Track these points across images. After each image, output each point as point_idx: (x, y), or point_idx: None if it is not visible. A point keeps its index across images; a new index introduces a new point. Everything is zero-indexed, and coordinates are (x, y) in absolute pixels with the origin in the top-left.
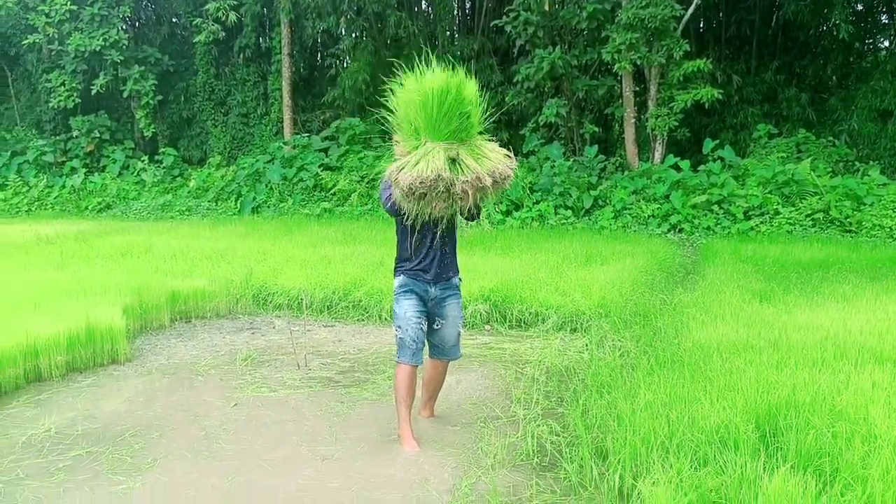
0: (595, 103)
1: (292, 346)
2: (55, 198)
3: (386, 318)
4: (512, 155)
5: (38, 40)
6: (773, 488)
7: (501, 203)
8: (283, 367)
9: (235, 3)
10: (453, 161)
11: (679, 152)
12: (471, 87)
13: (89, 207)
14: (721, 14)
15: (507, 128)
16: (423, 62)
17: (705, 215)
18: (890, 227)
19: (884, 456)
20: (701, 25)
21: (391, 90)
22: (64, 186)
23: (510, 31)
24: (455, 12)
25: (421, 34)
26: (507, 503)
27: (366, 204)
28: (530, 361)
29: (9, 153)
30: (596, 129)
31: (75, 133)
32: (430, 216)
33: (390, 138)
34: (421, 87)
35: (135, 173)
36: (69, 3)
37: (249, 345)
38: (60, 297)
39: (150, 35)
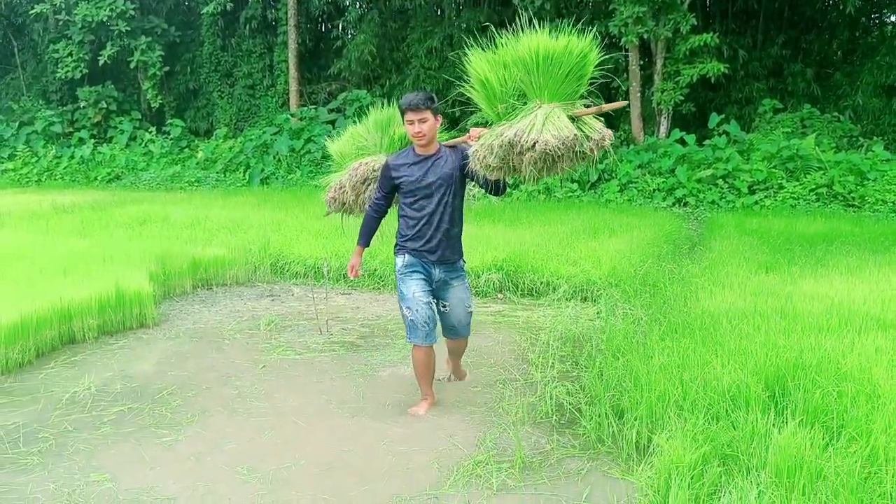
0: (601, 77)
1: (313, 312)
2: (64, 168)
3: None
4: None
5: (44, 10)
6: (782, 441)
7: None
8: (306, 332)
9: None
10: (572, 120)
11: (684, 126)
12: (588, 46)
13: (98, 178)
14: None
15: None
16: (427, 35)
17: (710, 189)
18: (893, 202)
19: (887, 412)
20: None
21: (467, 59)
22: (73, 157)
23: (517, 4)
24: None
25: (427, 6)
26: (529, 456)
27: None
28: (544, 328)
29: (16, 123)
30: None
31: (82, 104)
32: (489, 185)
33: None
34: (543, 47)
35: (142, 144)
36: None
37: (270, 311)
38: (87, 263)
39: (157, 5)
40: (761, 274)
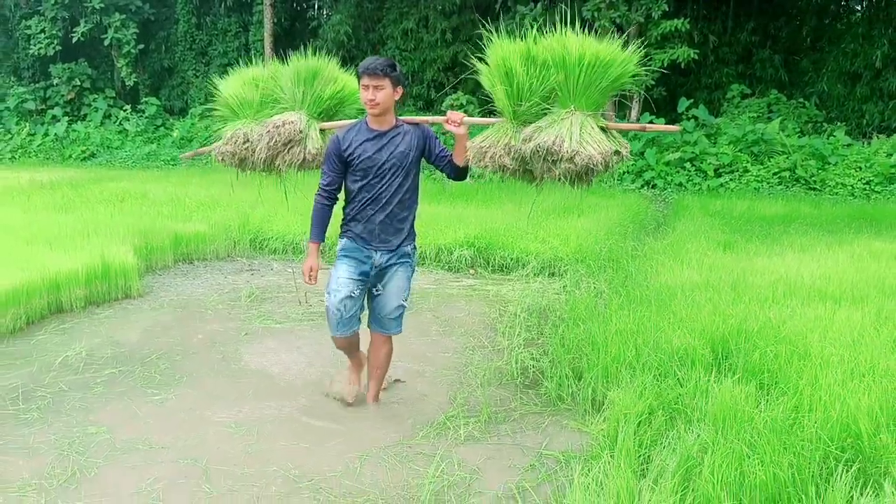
0: None
1: (293, 285)
2: (38, 146)
3: None
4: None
5: None
6: (720, 394)
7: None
8: (285, 303)
9: None
10: (603, 131)
11: (655, 110)
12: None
13: (73, 156)
14: None
15: None
16: (403, 17)
17: (678, 172)
18: (851, 186)
19: (813, 368)
20: None
21: (479, 57)
22: (47, 134)
23: None
24: None
25: None
26: (496, 412)
27: None
28: (512, 301)
29: None
30: None
31: (55, 81)
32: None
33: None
34: (591, 53)
35: (117, 122)
36: None
37: (251, 283)
38: (72, 236)
39: None
40: (719, 252)
